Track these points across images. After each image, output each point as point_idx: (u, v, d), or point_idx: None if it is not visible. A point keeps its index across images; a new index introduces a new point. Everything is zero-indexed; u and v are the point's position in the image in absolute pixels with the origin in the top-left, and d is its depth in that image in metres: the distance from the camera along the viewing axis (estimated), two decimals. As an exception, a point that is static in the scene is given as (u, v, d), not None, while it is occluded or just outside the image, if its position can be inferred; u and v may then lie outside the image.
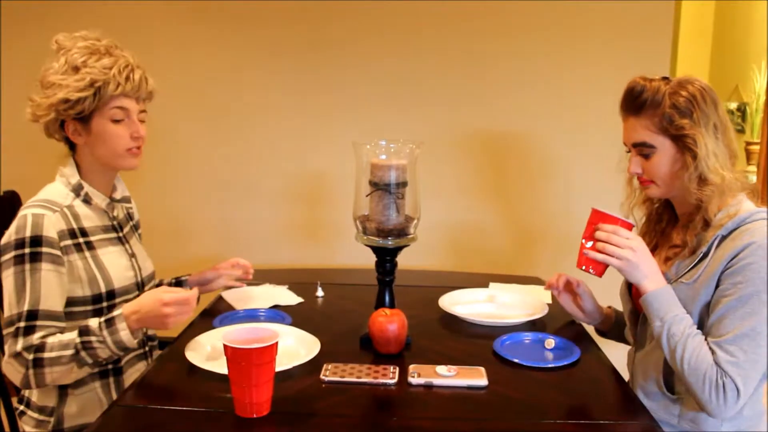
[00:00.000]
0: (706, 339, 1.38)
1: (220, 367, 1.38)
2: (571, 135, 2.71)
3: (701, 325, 1.42)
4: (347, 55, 2.71)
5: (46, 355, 1.41)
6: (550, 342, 1.59)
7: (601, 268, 1.49)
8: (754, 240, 1.36)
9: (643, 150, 1.50)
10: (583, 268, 1.50)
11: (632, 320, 1.63)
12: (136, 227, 1.82)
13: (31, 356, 1.41)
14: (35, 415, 1.58)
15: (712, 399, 1.34)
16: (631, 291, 1.65)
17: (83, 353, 1.42)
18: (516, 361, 1.49)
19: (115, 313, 1.44)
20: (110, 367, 1.62)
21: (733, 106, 4.48)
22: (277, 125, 2.77)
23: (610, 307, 1.80)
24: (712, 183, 1.43)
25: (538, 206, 2.79)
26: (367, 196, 1.59)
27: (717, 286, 1.40)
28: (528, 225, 2.78)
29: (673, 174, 1.49)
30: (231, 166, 2.81)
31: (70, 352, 1.41)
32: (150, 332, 1.78)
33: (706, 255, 1.44)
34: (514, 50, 2.66)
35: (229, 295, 1.92)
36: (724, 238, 1.42)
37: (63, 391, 1.57)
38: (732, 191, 1.45)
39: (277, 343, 1.21)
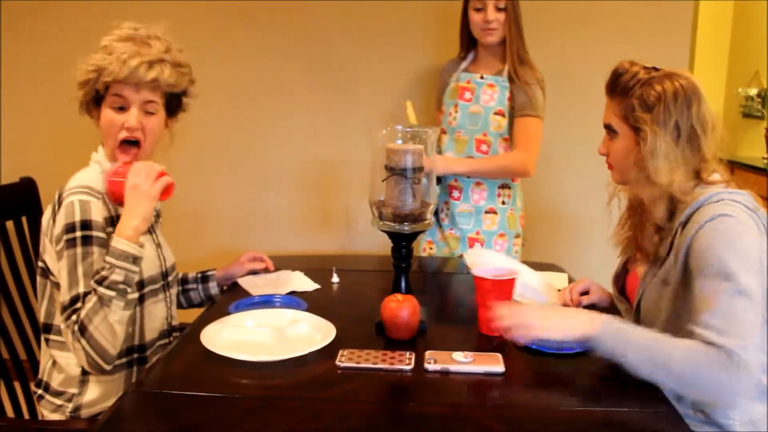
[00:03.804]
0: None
1: (236, 353, 1.39)
2: (591, 124, 2.69)
3: (678, 312, 1.40)
4: (359, 45, 2.70)
5: (83, 314, 1.42)
6: None
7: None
8: (703, 221, 1.34)
9: (609, 132, 1.52)
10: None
11: (633, 319, 1.59)
12: (158, 216, 1.83)
13: (76, 327, 1.42)
14: (53, 400, 1.59)
15: (723, 378, 1.22)
16: (624, 291, 1.63)
17: (101, 289, 1.42)
18: (533, 347, 1.48)
19: (112, 241, 1.46)
20: (135, 356, 1.63)
21: (753, 92, 4.40)
22: (290, 113, 2.76)
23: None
24: (657, 183, 1.41)
25: (555, 193, 2.77)
26: (383, 181, 1.58)
27: (684, 272, 1.38)
28: (545, 210, 2.77)
29: (627, 164, 1.48)
30: (244, 155, 2.81)
31: (94, 299, 1.42)
32: (175, 323, 1.78)
33: (671, 247, 1.42)
34: (538, 45, 2.65)
35: (245, 282, 1.92)
36: (683, 225, 1.40)
37: (84, 378, 1.58)
38: (685, 197, 1.42)
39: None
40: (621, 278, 1.66)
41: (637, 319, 1.53)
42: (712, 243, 1.32)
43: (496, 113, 2.32)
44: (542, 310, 1.45)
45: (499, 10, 2.25)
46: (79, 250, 1.47)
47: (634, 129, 1.45)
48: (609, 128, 1.52)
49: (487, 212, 2.38)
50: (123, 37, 1.56)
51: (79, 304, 1.45)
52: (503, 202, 2.39)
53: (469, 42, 2.39)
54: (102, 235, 1.51)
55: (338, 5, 2.67)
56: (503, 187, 2.39)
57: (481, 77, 2.34)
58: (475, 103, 2.34)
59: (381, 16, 2.67)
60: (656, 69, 1.46)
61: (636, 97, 1.43)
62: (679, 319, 1.40)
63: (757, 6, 4.50)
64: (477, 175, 2.35)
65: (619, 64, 1.49)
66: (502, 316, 1.36)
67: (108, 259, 1.43)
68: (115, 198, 1.53)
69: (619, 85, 1.47)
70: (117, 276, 1.43)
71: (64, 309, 1.46)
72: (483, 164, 2.32)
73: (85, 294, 1.45)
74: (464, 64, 2.41)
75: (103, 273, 1.43)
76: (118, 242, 1.44)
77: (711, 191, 1.40)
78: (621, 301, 1.65)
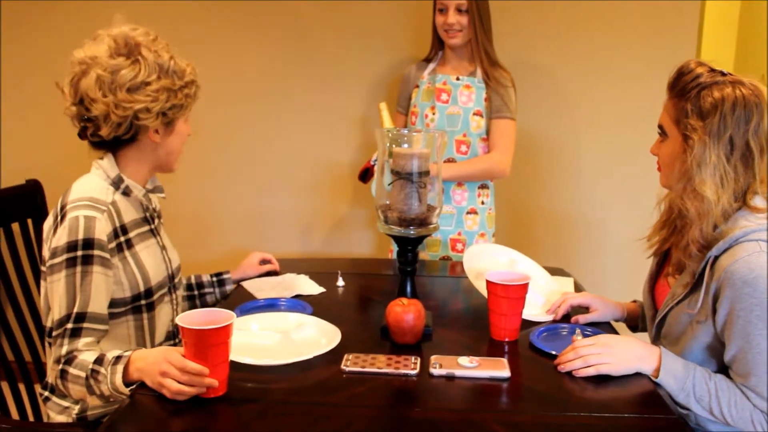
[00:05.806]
0: (730, 371, 1.35)
1: (241, 356, 1.38)
2: (602, 128, 2.70)
3: (713, 351, 1.39)
4: (368, 49, 2.70)
5: (71, 370, 1.41)
6: (578, 333, 1.56)
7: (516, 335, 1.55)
8: (729, 267, 1.30)
9: (660, 133, 1.47)
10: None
11: (652, 327, 1.57)
12: (159, 216, 1.83)
13: (60, 366, 1.42)
14: (60, 402, 1.59)
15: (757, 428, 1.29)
16: (653, 296, 1.60)
17: (91, 380, 1.39)
18: (542, 348, 1.48)
19: (126, 353, 1.37)
20: None
21: (760, 95, 4.39)
22: (297, 115, 2.76)
23: (635, 302, 1.76)
24: (703, 197, 1.34)
25: (564, 196, 2.76)
26: (389, 185, 1.57)
27: (714, 311, 1.35)
28: (556, 214, 2.76)
29: (673, 171, 1.43)
30: (249, 157, 2.81)
31: (84, 374, 1.39)
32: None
33: (701, 278, 1.37)
34: (547, 47, 2.66)
35: (250, 285, 1.92)
36: (717, 258, 1.34)
37: None
38: (724, 219, 1.36)
39: (231, 324, 1.23)
40: (652, 281, 1.61)
41: (657, 334, 1.51)
42: (749, 311, 1.28)
43: (475, 114, 2.34)
44: (599, 345, 1.39)
45: (460, 12, 2.24)
46: (78, 269, 1.45)
47: (683, 135, 1.37)
48: (661, 129, 1.45)
49: (468, 213, 2.40)
50: (168, 48, 1.58)
51: (69, 325, 1.43)
52: (482, 202, 2.42)
53: (438, 43, 2.40)
54: (104, 254, 1.48)
55: (352, 12, 2.67)
56: (482, 187, 2.42)
57: (457, 78, 2.35)
58: (452, 105, 2.34)
59: (389, 23, 2.67)
60: (723, 74, 1.38)
61: (691, 101, 1.35)
62: (702, 352, 1.41)
63: (763, 7, 4.48)
64: (461, 179, 2.36)
65: (685, 62, 1.40)
66: (566, 361, 1.39)
67: (107, 374, 1.35)
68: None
69: (678, 85, 1.39)
70: (105, 389, 1.37)
71: (58, 325, 1.44)
72: (467, 168, 2.34)
73: (78, 315, 1.44)
74: (432, 66, 2.42)
75: (100, 373, 1.36)
76: (117, 375, 1.34)
77: (749, 224, 1.33)
78: (648, 307, 1.60)
